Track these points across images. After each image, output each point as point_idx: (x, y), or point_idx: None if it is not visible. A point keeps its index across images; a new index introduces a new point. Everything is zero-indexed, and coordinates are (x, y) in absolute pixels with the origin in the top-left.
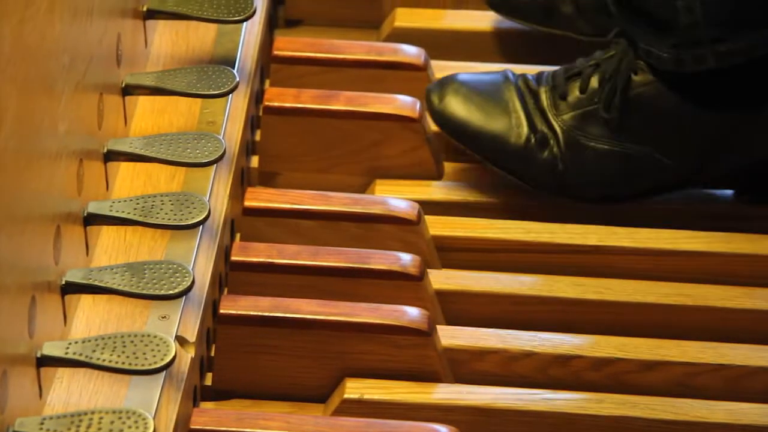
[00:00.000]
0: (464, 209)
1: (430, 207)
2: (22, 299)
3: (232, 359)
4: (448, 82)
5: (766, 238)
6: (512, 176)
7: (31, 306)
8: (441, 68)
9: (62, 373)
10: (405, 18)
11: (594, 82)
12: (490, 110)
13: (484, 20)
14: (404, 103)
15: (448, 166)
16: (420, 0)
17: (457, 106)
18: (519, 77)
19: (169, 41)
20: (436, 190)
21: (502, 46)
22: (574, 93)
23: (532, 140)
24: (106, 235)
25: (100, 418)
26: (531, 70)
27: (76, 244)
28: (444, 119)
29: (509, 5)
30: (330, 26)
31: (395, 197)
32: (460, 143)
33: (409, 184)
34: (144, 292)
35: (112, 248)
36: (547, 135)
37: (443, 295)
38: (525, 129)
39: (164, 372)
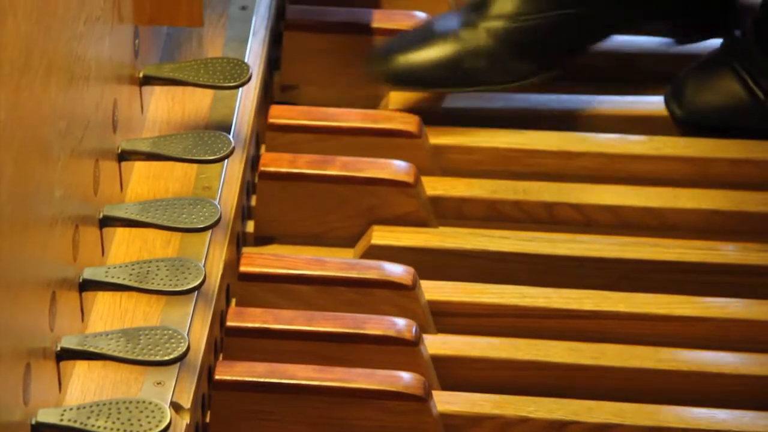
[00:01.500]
0: (460, 257)
1: (425, 254)
2: (17, 366)
3: (227, 425)
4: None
5: (761, 303)
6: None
7: (26, 373)
8: (436, 133)
9: None
10: (399, 98)
11: None
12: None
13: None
14: (399, 168)
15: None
16: None
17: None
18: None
19: (166, 107)
20: (432, 237)
21: (496, 112)
22: None
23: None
24: (102, 300)
25: None
26: (534, 134)
27: (72, 310)
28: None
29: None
30: (326, 88)
31: (392, 244)
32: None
33: (406, 231)
34: (139, 358)
35: (107, 314)
36: None
37: (439, 361)
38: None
39: None
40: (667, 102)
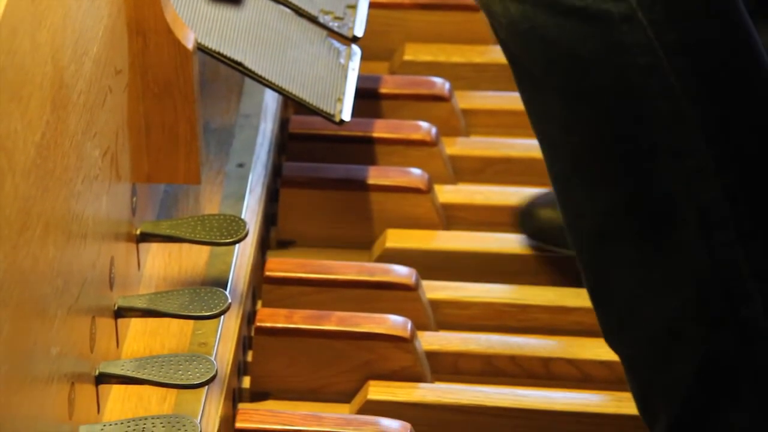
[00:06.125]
0: (457, 412)
1: (422, 410)
2: None
3: None
4: None
5: None
6: None
7: None
8: (432, 288)
9: None
10: (396, 239)
11: None
12: None
13: (473, 241)
14: (396, 323)
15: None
16: (410, 221)
17: None
18: None
19: (162, 263)
20: (428, 393)
21: (491, 266)
22: None
23: None
24: None
25: None
26: (528, 289)
27: None
28: None
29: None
30: (322, 247)
31: (389, 399)
32: None
33: (402, 386)
34: None
35: None
36: None
37: None
38: None
39: None
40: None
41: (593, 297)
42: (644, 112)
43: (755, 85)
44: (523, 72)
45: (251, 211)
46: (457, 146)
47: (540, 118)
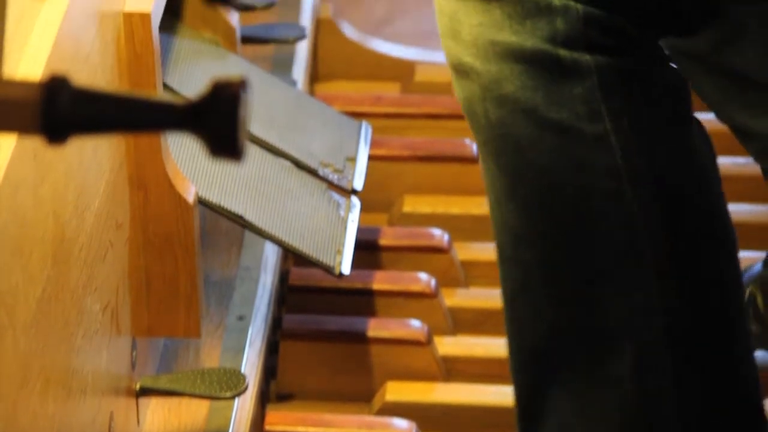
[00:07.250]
0: None
1: None
2: None
3: None
4: None
5: None
6: None
7: None
8: None
9: None
10: (396, 392)
11: None
12: None
13: (473, 394)
14: None
15: None
16: (410, 373)
17: None
18: None
19: (162, 418)
20: None
21: (491, 420)
22: None
23: None
24: None
25: None
26: None
27: None
28: None
29: None
30: (322, 400)
31: None
32: None
33: None
34: None
35: None
36: None
37: None
38: None
39: None
40: None
41: (522, 419)
42: (600, 239)
43: (712, 230)
44: (494, 179)
45: (251, 365)
46: (456, 298)
47: (499, 229)
